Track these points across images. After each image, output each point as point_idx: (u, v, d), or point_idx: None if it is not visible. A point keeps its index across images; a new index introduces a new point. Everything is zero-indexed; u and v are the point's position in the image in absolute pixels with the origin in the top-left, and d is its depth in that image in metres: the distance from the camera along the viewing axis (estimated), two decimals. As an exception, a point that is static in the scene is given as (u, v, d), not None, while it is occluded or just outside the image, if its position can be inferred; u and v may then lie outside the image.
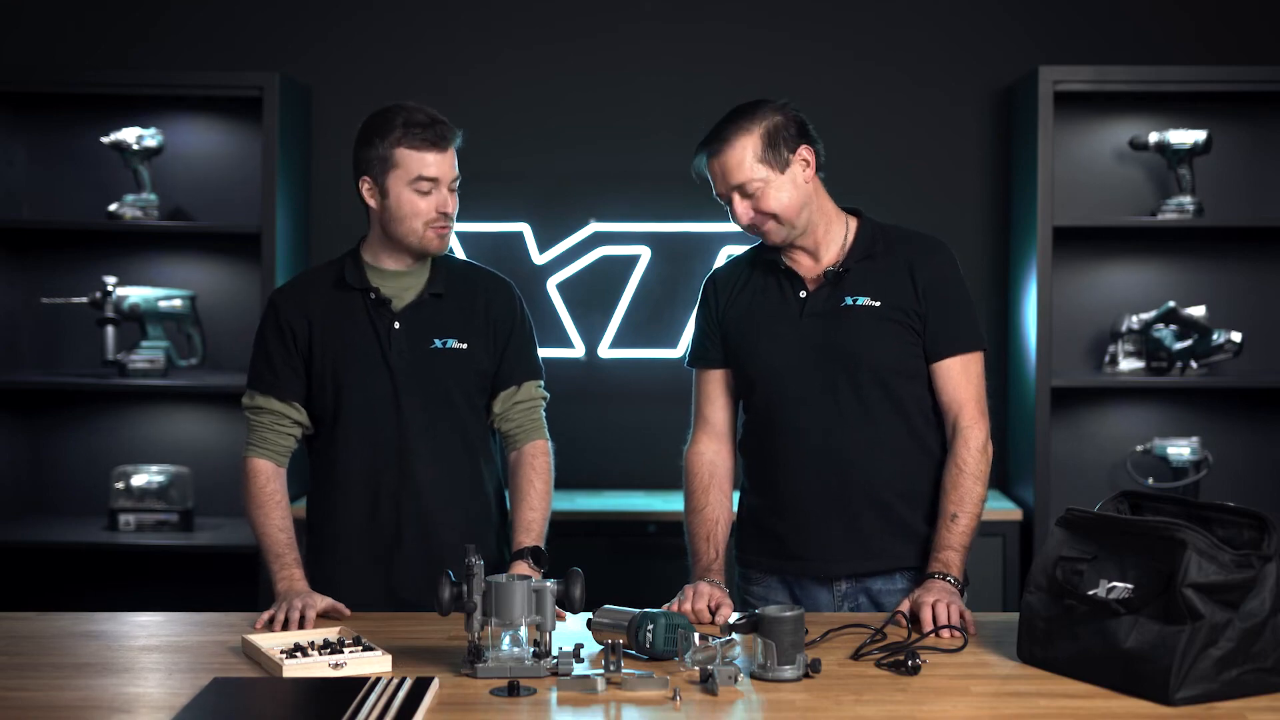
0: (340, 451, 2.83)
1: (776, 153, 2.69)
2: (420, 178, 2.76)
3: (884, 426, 2.73)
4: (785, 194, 2.69)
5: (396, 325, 2.82)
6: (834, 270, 2.75)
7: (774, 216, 2.69)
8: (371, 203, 2.81)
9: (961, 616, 2.52)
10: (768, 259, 2.81)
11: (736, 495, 2.90)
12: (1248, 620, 2.14)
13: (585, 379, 4.55)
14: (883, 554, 2.75)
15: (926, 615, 2.51)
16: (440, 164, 2.76)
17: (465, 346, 2.83)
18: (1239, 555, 2.15)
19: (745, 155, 2.67)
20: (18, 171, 4.48)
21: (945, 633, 2.49)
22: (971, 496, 2.71)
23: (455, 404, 2.84)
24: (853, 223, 2.81)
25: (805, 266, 2.78)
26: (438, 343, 2.83)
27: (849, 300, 2.73)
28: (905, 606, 2.57)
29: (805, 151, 2.72)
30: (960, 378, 2.75)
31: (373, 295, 2.82)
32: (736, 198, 2.70)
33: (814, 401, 2.73)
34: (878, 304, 2.72)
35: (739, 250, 2.98)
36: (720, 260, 4.18)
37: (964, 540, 2.68)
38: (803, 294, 2.76)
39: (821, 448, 2.73)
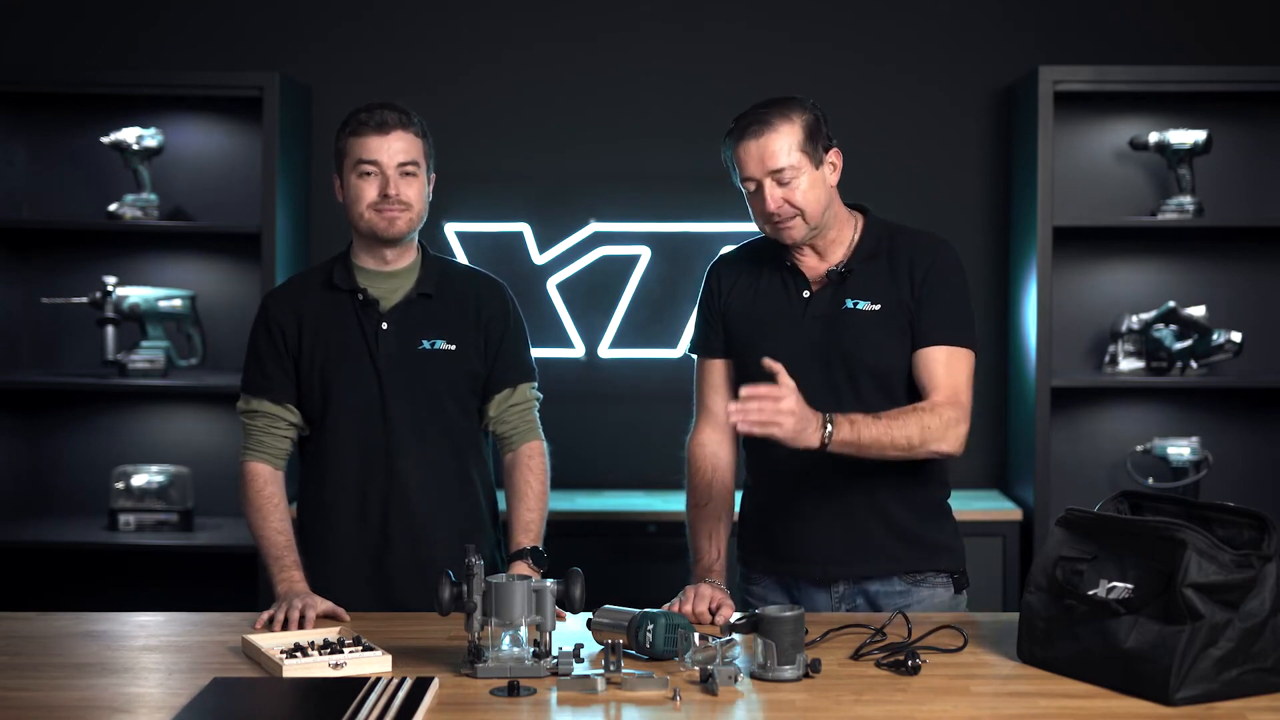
0: (329, 453, 2.83)
1: (814, 147, 2.67)
2: (360, 161, 2.77)
3: None
4: (816, 191, 2.66)
5: (384, 326, 2.82)
6: (837, 271, 2.73)
7: (800, 212, 2.66)
8: (340, 199, 2.83)
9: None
10: (773, 253, 2.80)
11: (739, 494, 2.90)
12: (1248, 620, 2.14)
13: (585, 379, 4.55)
14: (881, 557, 2.74)
15: (753, 407, 2.44)
16: (381, 148, 2.75)
17: (454, 347, 2.83)
18: (1239, 555, 2.15)
19: (788, 142, 2.64)
20: (18, 171, 4.48)
21: (736, 411, 2.42)
22: (905, 430, 2.57)
23: (444, 405, 2.83)
24: (860, 221, 2.79)
25: (810, 265, 2.76)
26: (426, 343, 2.82)
27: (850, 303, 2.71)
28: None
29: (834, 156, 2.71)
30: (941, 367, 2.67)
31: (361, 296, 2.82)
32: (769, 184, 2.64)
33: (814, 402, 2.72)
34: (878, 307, 2.71)
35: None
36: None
37: (866, 429, 2.53)
38: (806, 294, 2.75)
39: (822, 450, 2.71)
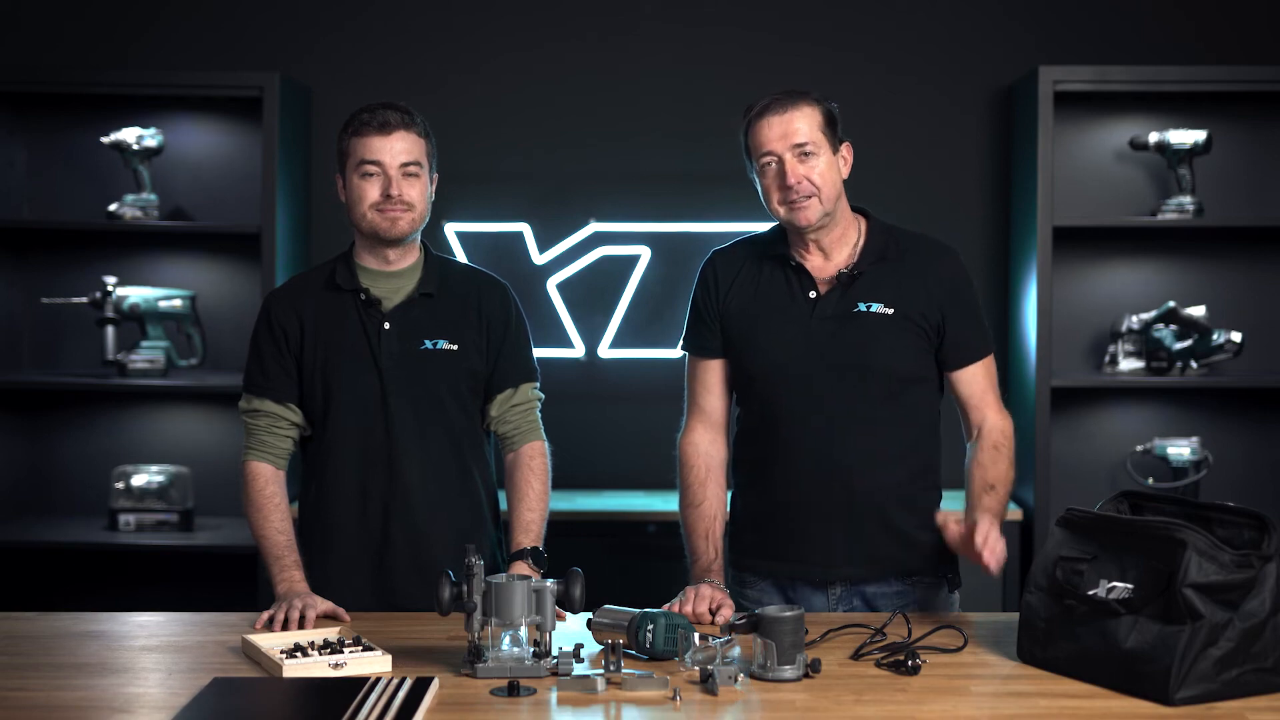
0: (330, 452, 2.83)
1: (833, 132, 2.71)
2: (363, 161, 2.76)
3: (888, 433, 2.72)
4: (832, 174, 2.69)
5: (386, 326, 2.82)
6: (847, 273, 2.72)
7: (818, 192, 2.66)
8: (342, 198, 2.82)
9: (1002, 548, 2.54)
10: (775, 252, 2.78)
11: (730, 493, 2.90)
12: (1248, 620, 2.14)
13: (585, 379, 4.55)
14: (881, 560, 2.74)
15: (983, 535, 2.52)
16: (384, 148, 2.75)
17: (456, 348, 2.83)
18: (1239, 555, 2.15)
19: (810, 121, 2.68)
20: (18, 171, 4.48)
21: (990, 558, 2.51)
22: (1008, 476, 2.72)
23: (445, 405, 2.83)
24: (862, 223, 2.79)
25: (815, 265, 2.75)
26: (428, 343, 2.82)
27: (862, 306, 2.71)
28: (952, 531, 2.57)
29: (846, 150, 2.75)
30: (984, 381, 2.77)
31: (363, 296, 2.82)
32: (790, 158, 2.65)
33: (818, 406, 2.71)
34: (891, 311, 2.70)
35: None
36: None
37: (1002, 510, 2.69)
38: (813, 295, 2.73)
39: (824, 453, 2.71)
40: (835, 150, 2.71)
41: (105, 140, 4.31)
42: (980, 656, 2.41)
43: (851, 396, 2.71)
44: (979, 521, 2.55)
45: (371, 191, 2.77)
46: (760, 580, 2.81)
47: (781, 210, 2.69)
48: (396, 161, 2.76)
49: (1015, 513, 4.24)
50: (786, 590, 2.78)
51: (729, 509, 2.87)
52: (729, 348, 2.81)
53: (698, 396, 2.86)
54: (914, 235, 2.81)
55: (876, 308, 2.71)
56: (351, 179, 2.79)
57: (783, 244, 2.77)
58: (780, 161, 2.66)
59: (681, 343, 2.89)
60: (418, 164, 2.78)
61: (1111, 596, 2.22)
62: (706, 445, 2.84)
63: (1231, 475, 4.43)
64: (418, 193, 2.79)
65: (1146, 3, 4.54)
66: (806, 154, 2.66)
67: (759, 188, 2.72)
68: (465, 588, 2.29)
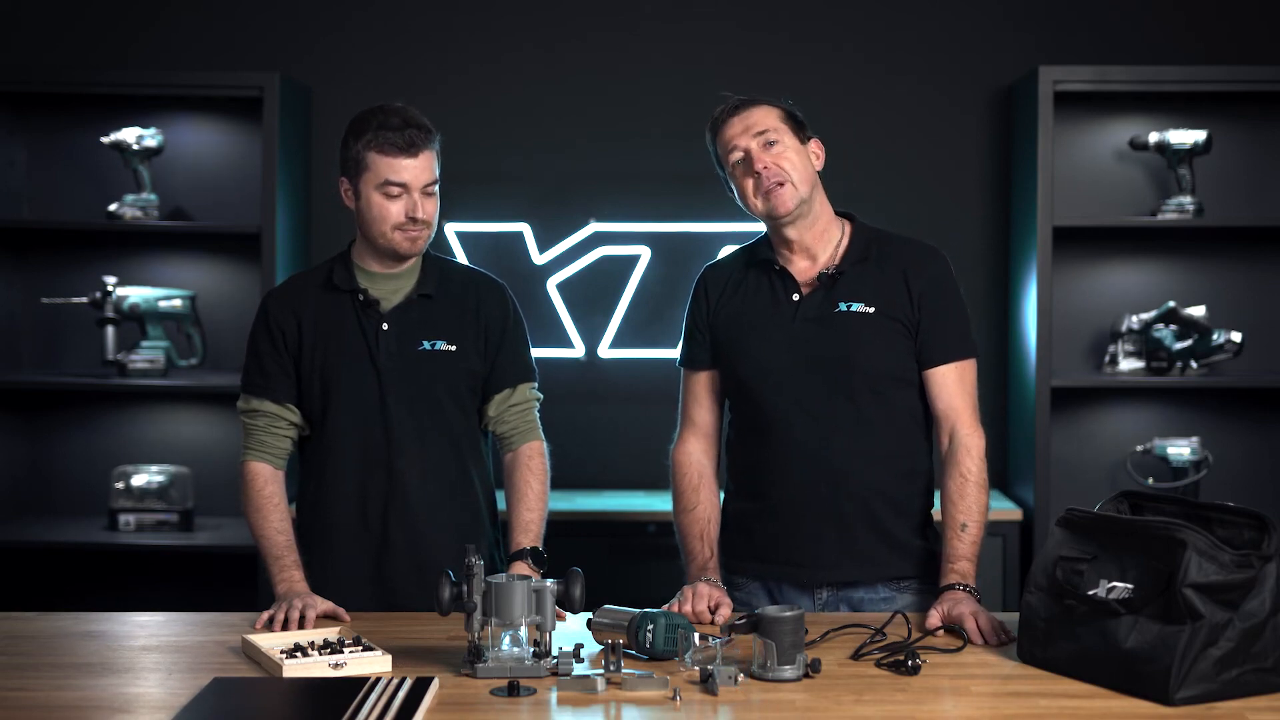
0: (329, 452, 2.83)
1: (797, 126, 2.74)
2: (388, 182, 2.74)
3: (876, 435, 2.72)
4: (802, 160, 2.71)
5: (384, 326, 2.82)
6: (828, 273, 2.73)
7: (789, 177, 2.68)
8: (349, 204, 2.81)
9: (994, 624, 2.51)
10: (762, 258, 2.79)
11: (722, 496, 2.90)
12: (1248, 620, 2.14)
13: (585, 379, 4.55)
14: (870, 563, 2.73)
15: (972, 626, 2.48)
16: (409, 169, 2.74)
17: (454, 348, 2.83)
18: (1239, 555, 2.15)
19: (771, 114, 2.72)
20: (18, 171, 4.48)
21: (977, 638, 2.48)
22: (979, 505, 2.69)
23: (443, 405, 2.83)
24: (847, 226, 2.80)
25: (800, 268, 2.76)
26: (426, 344, 2.82)
27: (843, 306, 2.71)
28: (936, 619, 2.53)
29: (816, 145, 2.76)
30: (955, 385, 2.73)
31: (361, 296, 2.82)
32: (756, 147, 2.68)
33: (805, 407, 2.71)
34: (871, 310, 2.71)
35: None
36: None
37: (975, 549, 2.67)
38: (796, 297, 2.75)
39: (813, 455, 2.71)
40: (803, 142, 2.73)
41: (105, 140, 4.31)
42: (980, 656, 2.41)
43: (836, 397, 2.71)
44: (957, 612, 2.52)
45: (395, 212, 2.76)
46: (749, 582, 2.80)
47: (758, 202, 2.71)
48: (420, 183, 2.75)
49: (1015, 513, 4.25)
50: (774, 592, 2.77)
51: (721, 512, 2.87)
52: (719, 356, 2.82)
53: (689, 408, 2.88)
54: (900, 238, 2.81)
55: (857, 307, 2.71)
56: (371, 195, 2.76)
57: (768, 249, 2.79)
58: (747, 153, 2.69)
59: (678, 360, 2.92)
60: (436, 182, 2.79)
61: (1111, 596, 2.22)
62: (698, 454, 2.85)
63: (1231, 475, 4.43)
64: (434, 209, 2.79)
65: (1146, 3, 4.54)
66: (771, 141, 2.69)
67: (735, 193, 2.75)
68: (465, 588, 2.29)
